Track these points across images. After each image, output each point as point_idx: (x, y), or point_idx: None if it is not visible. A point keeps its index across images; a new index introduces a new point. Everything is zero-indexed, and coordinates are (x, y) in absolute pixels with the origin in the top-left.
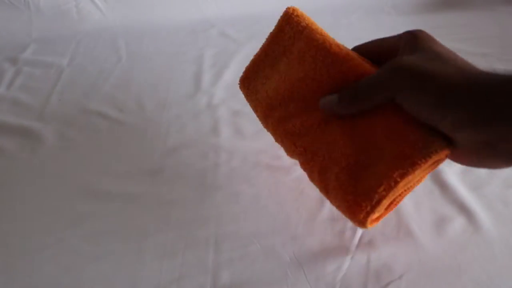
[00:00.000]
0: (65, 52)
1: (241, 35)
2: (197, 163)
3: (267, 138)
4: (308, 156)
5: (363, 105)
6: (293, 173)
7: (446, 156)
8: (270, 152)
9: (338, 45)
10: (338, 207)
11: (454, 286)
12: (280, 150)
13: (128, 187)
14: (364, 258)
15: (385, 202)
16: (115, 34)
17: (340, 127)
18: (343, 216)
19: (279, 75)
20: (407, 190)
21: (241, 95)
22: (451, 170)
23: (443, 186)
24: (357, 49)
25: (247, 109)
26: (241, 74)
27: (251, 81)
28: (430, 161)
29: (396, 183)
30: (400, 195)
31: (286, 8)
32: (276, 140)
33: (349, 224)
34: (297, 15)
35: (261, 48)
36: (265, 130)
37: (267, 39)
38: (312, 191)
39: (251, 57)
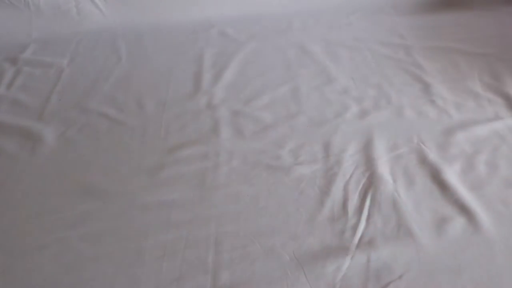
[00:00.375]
0: (65, 52)
1: (241, 35)
2: (197, 163)
3: (267, 138)
4: None
5: None
6: (293, 173)
7: None
8: (270, 152)
9: None
10: None
11: (454, 286)
12: (280, 150)
13: (128, 187)
14: (364, 258)
15: None
16: (115, 34)
17: None
18: (343, 216)
19: None
20: None
21: (241, 95)
22: (451, 170)
23: (443, 186)
24: None
25: (247, 109)
26: (241, 74)
27: None
28: None
29: None
30: None
31: None
32: None
33: (349, 224)
34: None
35: None
36: (265, 130)
37: None
38: (312, 191)
39: (251, 57)
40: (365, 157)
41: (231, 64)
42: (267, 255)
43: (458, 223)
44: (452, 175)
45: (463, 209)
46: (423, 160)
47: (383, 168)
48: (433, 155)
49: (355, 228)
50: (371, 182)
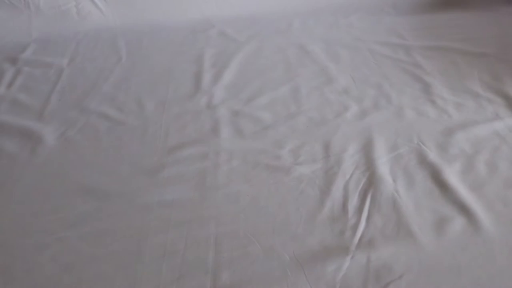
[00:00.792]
0: (65, 52)
1: (241, 35)
2: (197, 163)
3: (267, 138)
4: None
5: None
6: (293, 173)
7: None
8: (270, 152)
9: None
10: None
11: (454, 286)
12: (280, 150)
13: (128, 187)
14: (364, 258)
15: None
16: (115, 34)
17: None
18: (343, 216)
19: None
20: None
21: (241, 95)
22: (451, 170)
23: (443, 186)
24: None
25: (247, 109)
26: (241, 74)
27: None
28: None
29: None
30: None
31: None
32: None
33: (349, 224)
34: None
35: None
36: (265, 130)
37: None
38: (312, 191)
39: (251, 57)
40: (365, 157)
41: (231, 64)
42: (267, 255)
43: (458, 223)
44: (452, 175)
45: (463, 209)
46: (423, 160)
47: (383, 168)
48: (433, 155)
49: (355, 228)
50: (371, 182)
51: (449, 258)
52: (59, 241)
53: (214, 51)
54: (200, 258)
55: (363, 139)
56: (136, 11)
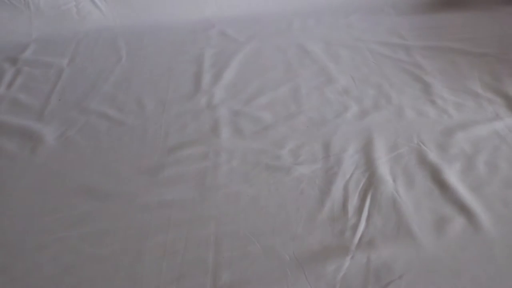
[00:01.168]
0: (65, 52)
1: (241, 35)
2: (197, 163)
3: (267, 138)
4: None
5: None
6: (293, 173)
7: None
8: (270, 152)
9: None
10: None
11: (454, 286)
12: (280, 150)
13: (128, 187)
14: (364, 258)
15: None
16: (115, 34)
17: None
18: (343, 216)
19: None
20: None
21: (241, 95)
22: (451, 170)
23: (443, 186)
24: None
25: (247, 109)
26: (241, 74)
27: None
28: None
29: None
30: None
31: None
32: None
33: (349, 224)
34: None
35: None
36: (265, 130)
37: None
38: (312, 191)
39: (251, 57)
40: (365, 157)
41: (231, 64)
42: (267, 255)
43: (458, 223)
44: (452, 175)
45: (463, 209)
46: (423, 160)
47: (383, 168)
48: (433, 155)
49: (355, 228)
50: (371, 182)
51: (449, 258)
52: (59, 241)
53: (214, 51)
54: (200, 258)
55: (363, 139)
56: (136, 11)
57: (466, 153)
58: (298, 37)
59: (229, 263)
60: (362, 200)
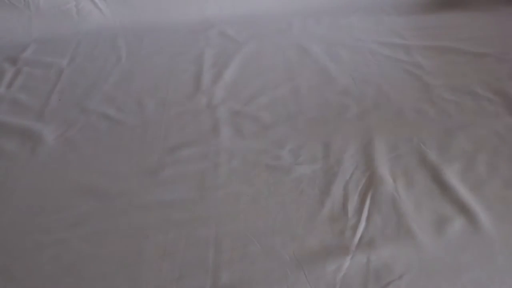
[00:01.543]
0: (65, 52)
1: (241, 35)
2: (197, 163)
3: (267, 138)
4: None
5: None
6: (293, 173)
7: None
8: (270, 152)
9: None
10: None
11: (454, 286)
12: (280, 150)
13: (128, 187)
14: (364, 258)
15: None
16: (115, 34)
17: None
18: (343, 216)
19: None
20: None
21: (241, 95)
22: (451, 170)
23: (443, 186)
24: None
25: (247, 109)
26: (241, 74)
27: None
28: None
29: None
30: None
31: None
32: None
33: (349, 224)
34: None
35: None
36: (265, 130)
37: None
38: (312, 191)
39: (251, 57)
40: (365, 157)
41: (231, 64)
42: (267, 255)
43: (458, 223)
44: (452, 175)
45: (463, 209)
46: (423, 160)
47: (383, 168)
48: (433, 155)
49: (355, 228)
50: (371, 182)
51: (449, 258)
52: (59, 241)
53: (214, 51)
54: (200, 258)
55: (363, 139)
56: (136, 11)
57: (466, 153)
58: (298, 37)
59: (229, 263)
60: (362, 200)
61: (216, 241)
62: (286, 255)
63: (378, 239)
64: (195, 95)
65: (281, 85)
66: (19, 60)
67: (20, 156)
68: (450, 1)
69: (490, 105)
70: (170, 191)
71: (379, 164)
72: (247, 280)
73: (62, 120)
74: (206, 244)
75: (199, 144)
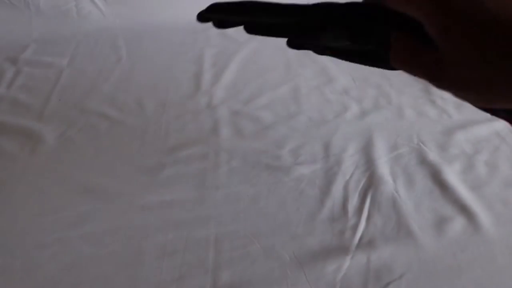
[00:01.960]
0: (65, 52)
1: (241, 35)
2: (197, 163)
3: (267, 138)
4: None
5: None
6: (293, 173)
7: None
8: (270, 152)
9: None
10: None
11: (454, 286)
12: (280, 150)
13: (128, 187)
14: (364, 258)
15: None
16: (115, 34)
17: None
18: (343, 216)
19: None
20: None
21: (241, 95)
22: (451, 170)
23: (443, 186)
24: None
25: (247, 109)
26: (241, 74)
27: None
28: None
29: None
30: None
31: None
32: None
33: (349, 224)
34: None
35: None
36: (265, 130)
37: None
38: (312, 191)
39: (251, 57)
40: (365, 157)
41: (231, 64)
42: (267, 255)
43: (458, 223)
44: (452, 175)
45: (463, 209)
46: (423, 160)
47: (383, 168)
48: (433, 155)
49: (355, 228)
50: (371, 182)
51: (449, 258)
52: (59, 241)
53: (214, 51)
54: (200, 258)
55: (363, 139)
56: (136, 11)
57: (466, 153)
58: None
59: (229, 263)
60: (362, 200)
61: (216, 241)
62: (286, 255)
63: (378, 239)
64: (195, 95)
65: (281, 85)
66: (19, 60)
67: (20, 156)
68: None
69: None
70: (170, 191)
71: (379, 164)
72: (247, 280)
73: (62, 120)
74: (206, 244)
75: (199, 144)
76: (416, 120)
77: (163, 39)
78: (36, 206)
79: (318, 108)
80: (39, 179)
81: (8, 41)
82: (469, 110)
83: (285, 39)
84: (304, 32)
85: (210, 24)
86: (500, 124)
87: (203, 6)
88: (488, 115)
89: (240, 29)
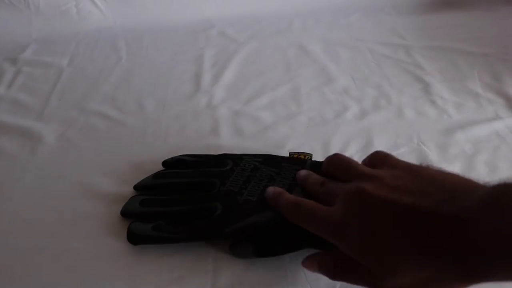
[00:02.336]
0: (65, 52)
1: (241, 35)
2: None
3: (267, 138)
4: None
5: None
6: None
7: None
8: (270, 152)
9: None
10: None
11: None
12: (280, 150)
13: (128, 187)
14: None
15: None
16: (115, 34)
17: None
18: None
19: None
20: None
21: (241, 95)
22: (451, 170)
23: None
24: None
25: (247, 109)
26: (241, 74)
27: None
28: None
29: None
30: None
31: None
32: None
33: None
34: None
35: None
36: (265, 130)
37: None
38: None
39: (251, 57)
40: (365, 157)
41: (231, 64)
42: None
43: None
44: None
45: None
46: (423, 160)
47: None
48: (433, 155)
49: None
50: None
51: None
52: (59, 241)
53: (214, 51)
54: (200, 258)
55: (363, 139)
56: (136, 11)
57: (466, 153)
58: (298, 37)
59: (229, 263)
60: None
61: (216, 241)
62: (286, 255)
63: None
64: (195, 95)
65: (281, 85)
66: (19, 60)
67: (20, 156)
68: (450, 1)
69: (490, 105)
70: None
71: None
72: (247, 280)
73: (62, 120)
74: (206, 244)
75: (199, 144)
76: (416, 120)
77: (163, 39)
78: (36, 206)
79: (318, 108)
80: (39, 179)
81: (8, 41)
82: (469, 110)
83: (284, 39)
84: None
85: (210, 24)
86: (500, 124)
87: (203, 6)
88: (488, 115)
89: (240, 29)
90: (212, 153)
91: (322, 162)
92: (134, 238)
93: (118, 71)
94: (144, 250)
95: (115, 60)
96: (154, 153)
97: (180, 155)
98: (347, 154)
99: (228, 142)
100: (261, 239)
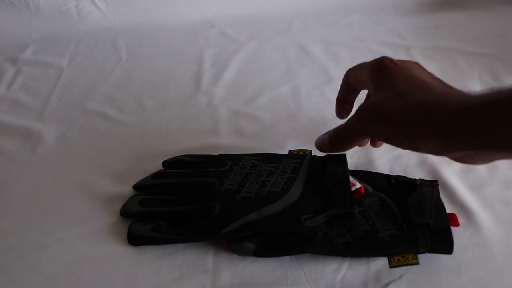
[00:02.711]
0: (65, 52)
1: (241, 35)
2: None
3: (267, 138)
4: None
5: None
6: None
7: None
8: (270, 152)
9: None
10: None
11: (454, 286)
12: (280, 150)
13: (128, 187)
14: (364, 258)
15: None
16: (115, 34)
17: None
18: None
19: None
20: None
21: (241, 95)
22: (451, 170)
23: (443, 186)
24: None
25: (247, 109)
26: (241, 74)
27: None
28: None
29: None
30: None
31: None
32: None
33: None
34: None
35: None
36: (265, 130)
37: None
38: None
39: (251, 57)
40: (364, 158)
41: (231, 64)
42: None
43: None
44: (452, 175)
45: (463, 209)
46: (423, 160)
47: (383, 168)
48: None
49: None
50: None
51: (448, 258)
52: (59, 241)
53: (214, 51)
54: (200, 258)
55: None
56: (136, 11)
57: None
58: (298, 37)
59: (229, 263)
60: None
61: (216, 241)
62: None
63: None
64: (195, 95)
65: (281, 85)
66: (19, 60)
67: (20, 156)
68: (450, 1)
69: None
70: None
71: (379, 164)
72: (247, 281)
73: (62, 120)
74: (206, 244)
75: (199, 144)
76: None
77: (163, 39)
78: (36, 206)
79: (318, 108)
80: (39, 179)
81: (8, 41)
82: None
83: (284, 39)
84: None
85: (210, 24)
86: None
87: (203, 6)
88: None
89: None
90: (212, 153)
91: (321, 156)
92: (135, 239)
93: (118, 71)
94: (144, 250)
95: (115, 60)
96: (154, 153)
97: (180, 156)
98: (347, 154)
99: (228, 142)
100: (261, 239)
